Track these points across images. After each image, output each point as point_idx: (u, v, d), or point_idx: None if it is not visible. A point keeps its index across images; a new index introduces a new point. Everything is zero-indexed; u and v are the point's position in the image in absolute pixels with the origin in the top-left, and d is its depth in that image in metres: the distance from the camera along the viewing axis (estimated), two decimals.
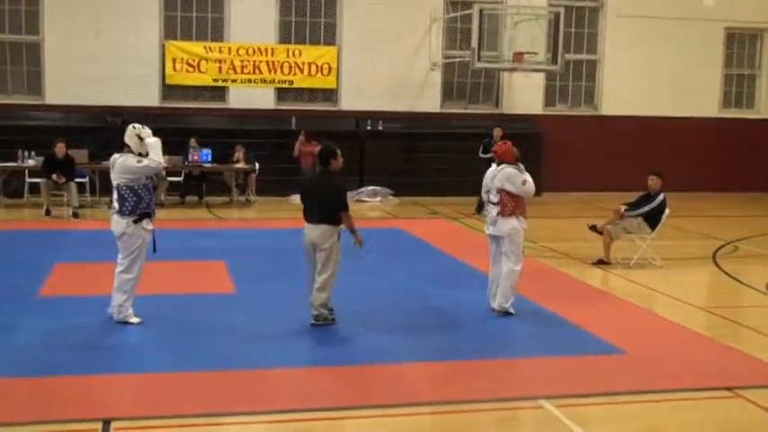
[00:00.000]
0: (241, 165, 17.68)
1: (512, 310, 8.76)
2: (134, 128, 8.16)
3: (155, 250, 8.28)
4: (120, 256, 8.15)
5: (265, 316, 8.55)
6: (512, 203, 8.70)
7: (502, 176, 8.74)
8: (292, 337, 7.87)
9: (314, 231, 8.12)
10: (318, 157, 8.35)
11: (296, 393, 6.40)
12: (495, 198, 8.80)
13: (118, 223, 8.07)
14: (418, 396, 6.42)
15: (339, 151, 8.21)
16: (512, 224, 8.70)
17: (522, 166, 8.83)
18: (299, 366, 7.00)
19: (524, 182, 8.70)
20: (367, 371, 7.00)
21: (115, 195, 8.10)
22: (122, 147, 8.13)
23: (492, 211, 8.87)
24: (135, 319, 8.11)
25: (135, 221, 8.02)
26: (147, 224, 8.12)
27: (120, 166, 8.02)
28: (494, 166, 8.97)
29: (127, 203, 8.02)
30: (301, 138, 17.00)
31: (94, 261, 11.03)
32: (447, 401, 6.32)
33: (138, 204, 8.04)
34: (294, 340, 7.77)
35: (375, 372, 6.98)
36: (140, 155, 8.04)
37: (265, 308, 8.88)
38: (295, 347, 7.55)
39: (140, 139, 8.06)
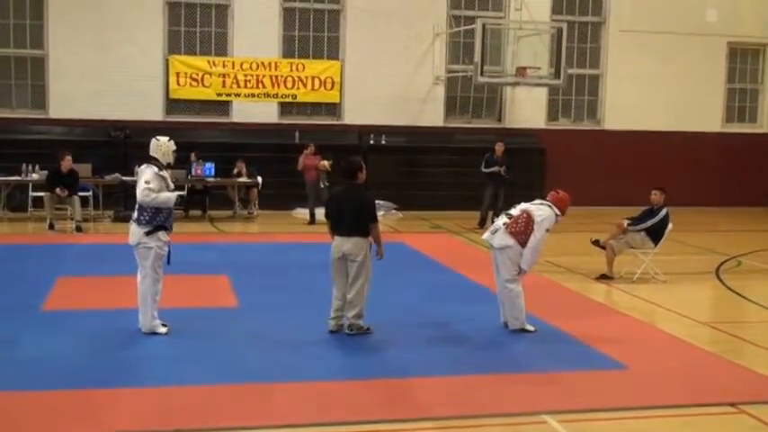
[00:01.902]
0: (244, 179, 17.71)
1: (529, 328, 8.65)
2: (158, 139, 8.31)
3: (168, 262, 8.32)
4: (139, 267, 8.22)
5: (268, 330, 8.53)
6: (521, 228, 8.57)
7: (540, 210, 8.63)
8: (296, 351, 7.85)
9: (346, 243, 8.23)
10: (345, 170, 8.54)
11: (302, 408, 6.38)
12: (515, 212, 8.75)
13: (134, 233, 8.10)
14: (423, 411, 6.40)
15: (364, 165, 8.52)
16: (507, 242, 8.59)
17: (558, 220, 8.72)
18: (304, 381, 6.98)
19: (546, 231, 8.57)
20: (371, 385, 6.98)
21: (137, 205, 8.15)
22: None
23: (502, 219, 8.83)
24: (162, 329, 8.17)
25: (147, 233, 8.04)
26: (164, 235, 8.15)
27: (138, 178, 8.14)
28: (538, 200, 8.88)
29: (145, 213, 8.07)
30: (306, 152, 17.02)
31: (97, 275, 11.07)
32: (450, 416, 6.30)
33: (156, 216, 8.08)
34: (298, 354, 7.75)
35: (380, 386, 6.96)
36: (168, 165, 8.24)
37: (268, 322, 8.86)
38: (300, 362, 7.52)
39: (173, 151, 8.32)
